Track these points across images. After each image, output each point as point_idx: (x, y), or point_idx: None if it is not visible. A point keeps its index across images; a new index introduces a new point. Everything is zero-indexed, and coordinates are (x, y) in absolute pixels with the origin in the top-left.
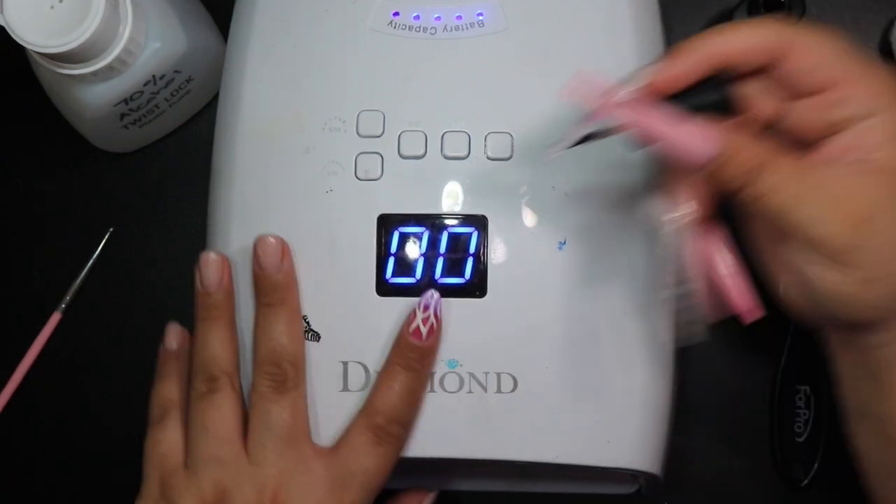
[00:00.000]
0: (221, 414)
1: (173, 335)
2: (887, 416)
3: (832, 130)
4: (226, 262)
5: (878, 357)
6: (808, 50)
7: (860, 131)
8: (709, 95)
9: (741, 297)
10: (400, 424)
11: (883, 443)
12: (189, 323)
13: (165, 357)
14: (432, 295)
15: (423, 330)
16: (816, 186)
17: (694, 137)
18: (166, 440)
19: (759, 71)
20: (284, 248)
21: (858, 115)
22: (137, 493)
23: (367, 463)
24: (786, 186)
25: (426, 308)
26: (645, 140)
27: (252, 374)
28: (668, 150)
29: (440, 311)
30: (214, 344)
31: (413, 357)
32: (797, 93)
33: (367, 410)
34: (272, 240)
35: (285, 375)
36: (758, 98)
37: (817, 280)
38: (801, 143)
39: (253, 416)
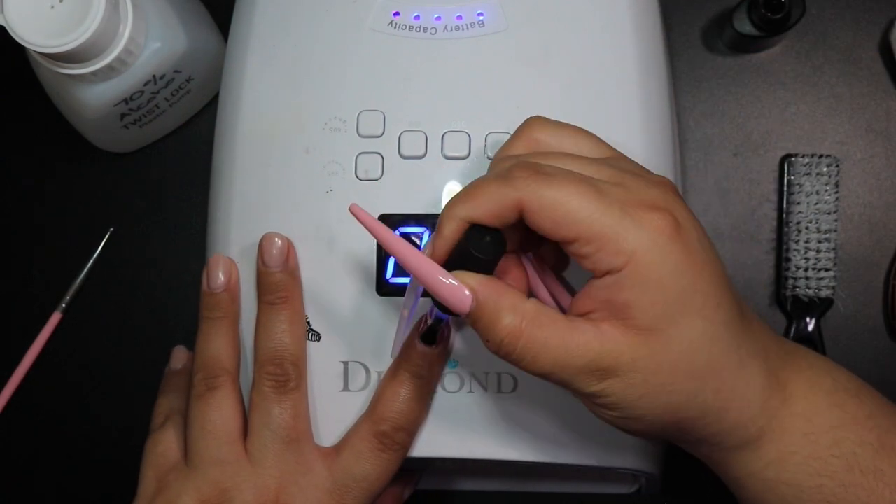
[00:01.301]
0: (221, 414)
1: (179, 357)
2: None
3: (593, 274)
4: (233, 265)
5: (690, 452)
6: (541, 211)
7: (611, 285)
8: (478, 246)
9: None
10: (406, 432)
11: None
12: (189, 321)
13: (170, 375)
14: None
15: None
16: (567, 351)
17: (451, 294)
18: (165, 440)
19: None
20: (290, 247)
21: (601, 270)
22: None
23: (370, 469)
24: (540, 354)
25: (431, 314)
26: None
27: (253, 373)
28: (435, 297)
29: (451, 318)
30: (216, 343)
31: (421, 364)
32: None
33: (372, 416)
34: (278, 238)
35: (287, 376)
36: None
37: (598, 415)
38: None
39: (254, 417)
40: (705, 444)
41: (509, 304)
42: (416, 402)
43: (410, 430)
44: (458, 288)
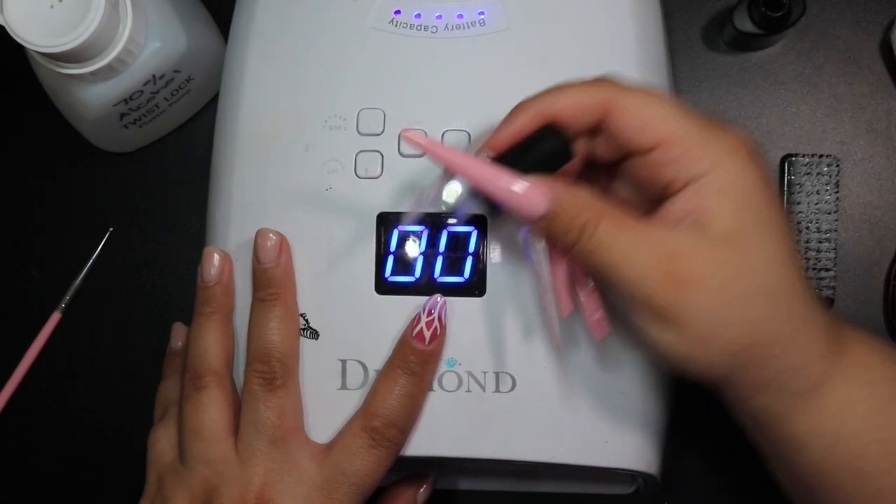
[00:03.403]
0: (208, 415)
1: (178, 335)
2: (784, 459)
3: (669, 190)
4: (227, 259)
5: (748, 410)
6: (629, 111)
7: (692, 194)
8: (549, 146)
9: (591, 314)
10: (397, 429)
11: (791, 483)
12: (188, 321)
13: (171, 356)
14: (437, 299)
15: (427, 334)
16: (643, 245)
17: (525, 194)
18: (162, 438)
19: (596, 127)
20: (283, 244)
21: (685, 178)
22: (136, 492)
23: (360, 465)
24: (615, 244)
25: (430, 312)
26: (484, 195)
27: (244, 370)
28: (505, 205)
29: (445, 315)
30: (206, 340)
31: (415, 361)
32: (630, 151)
33: (364, 412)
34: (272, 234)
35: (273, 374)
36: (600, 150)
37: (653, 340)
38: (650, 198)
39: (242, 414)
40: (769, 390)
41: (584, 200)
42: (409, 398)
43: (402, 426)
44: (531, 189)
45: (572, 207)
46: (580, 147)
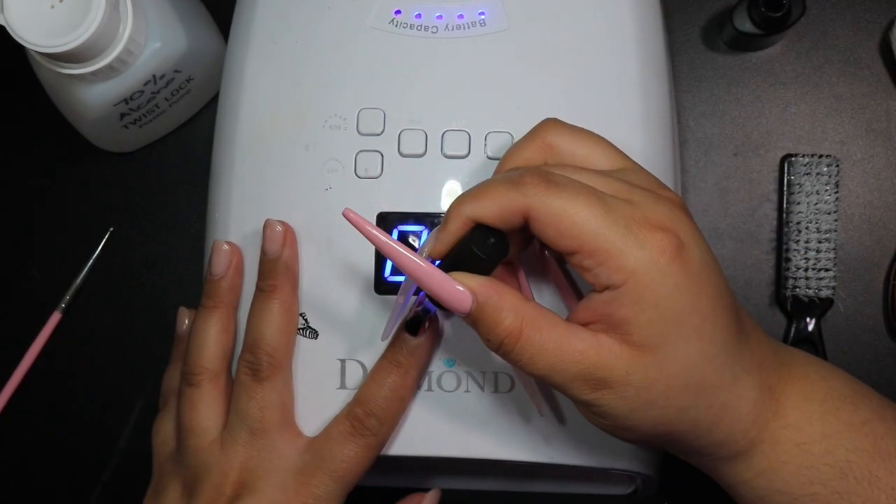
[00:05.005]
0: (198, 412)
1: (183, 318)
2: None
3: (594, 285)
4: (236, 252)
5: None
6: (547, 219)
7: (609, 300)
8: (480, 246)
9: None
10: (377, 419)
11: None
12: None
13: (178, 340)
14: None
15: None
16: (565, 357)
17: (451, 295)
18: (163, 430)
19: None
20: (288, 236)
21: (601, 285)
22: (137, 492)
23: (338, 451)
24: (537, 356)
25: (420, 303)
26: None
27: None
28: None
29: (437, 311)
30: (203, 336)
31: (402, 353)
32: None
33: (352, 401)
34: (278, 225)
35: (259, 365)
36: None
37: (591, 422)
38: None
39: (232, 402)
40: (696, 455)
41: (510, 305)
42: (393, 390)
43: (381, 417)
44: (455, 288)
45: (493, 313)
46: (514, 241)
